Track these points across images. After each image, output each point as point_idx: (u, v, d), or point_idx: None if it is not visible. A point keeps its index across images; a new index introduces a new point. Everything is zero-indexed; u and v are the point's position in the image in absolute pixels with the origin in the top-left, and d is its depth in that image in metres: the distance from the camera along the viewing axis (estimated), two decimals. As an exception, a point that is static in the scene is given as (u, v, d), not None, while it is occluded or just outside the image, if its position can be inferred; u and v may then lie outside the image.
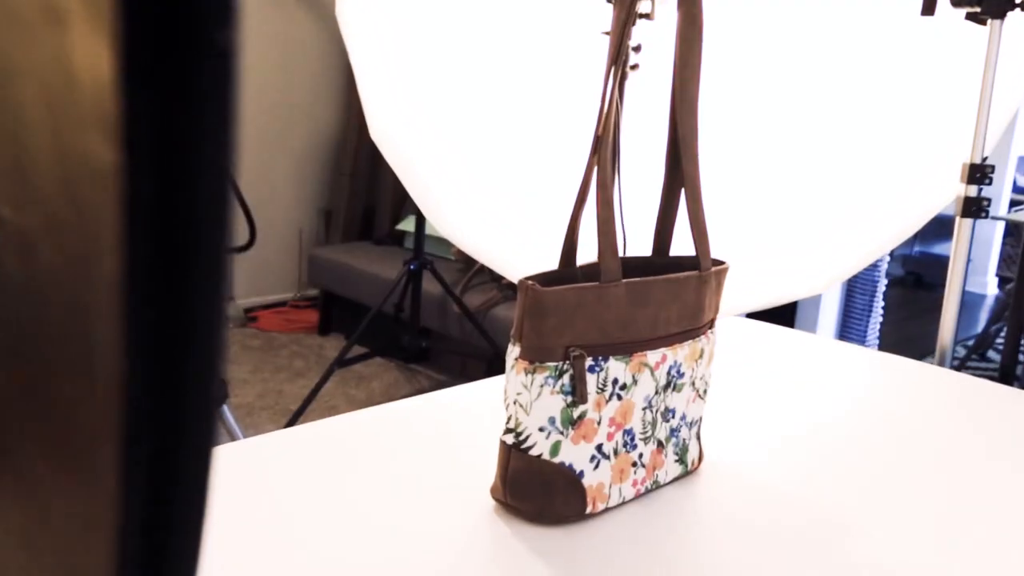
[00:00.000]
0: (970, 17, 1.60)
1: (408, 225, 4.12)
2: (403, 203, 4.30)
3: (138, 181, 0.16)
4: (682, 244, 0.94)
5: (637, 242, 1.02)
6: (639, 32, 1.43)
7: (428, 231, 3.85)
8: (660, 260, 0.94)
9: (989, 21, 1.59)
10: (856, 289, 3.46)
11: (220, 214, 0.16)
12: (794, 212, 1.77)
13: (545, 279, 0.82)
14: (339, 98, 4.48)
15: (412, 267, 3.44)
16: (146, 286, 0.17)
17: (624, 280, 0.83)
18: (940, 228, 6.49)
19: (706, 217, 0.92)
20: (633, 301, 0.83)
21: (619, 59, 0.86)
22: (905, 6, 1.67)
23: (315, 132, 4.45)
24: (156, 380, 0.18)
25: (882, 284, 3.48)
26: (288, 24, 4.24)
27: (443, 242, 3.93)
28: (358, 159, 4.37)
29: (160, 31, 0.15)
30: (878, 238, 1.81)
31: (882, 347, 3.56)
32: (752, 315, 2.79)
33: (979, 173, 1.61)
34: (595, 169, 0.83)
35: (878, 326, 3.50)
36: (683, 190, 0.91)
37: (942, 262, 6.47)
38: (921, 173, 1.76)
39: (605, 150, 0.82)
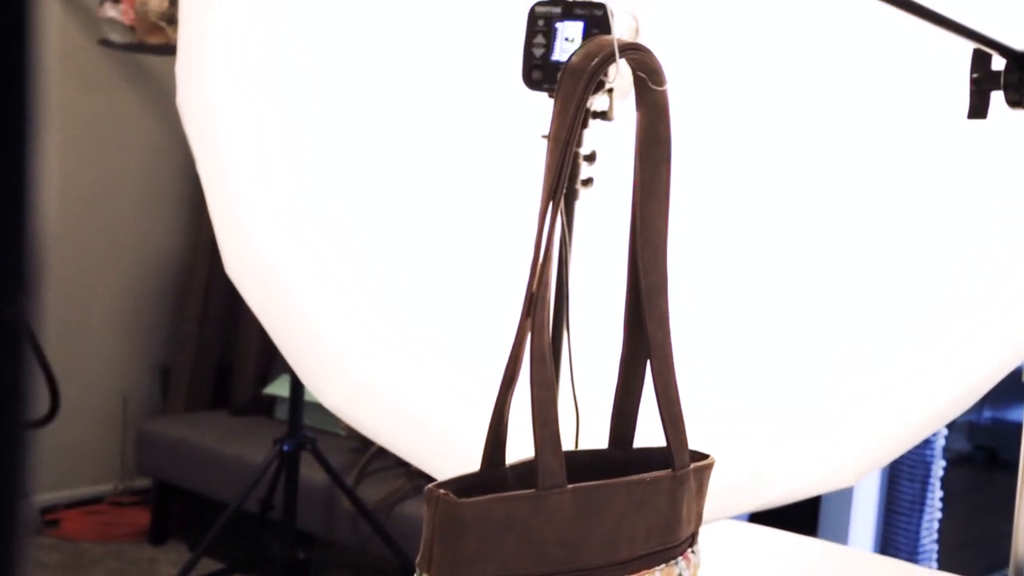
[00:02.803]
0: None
1: (280, 388, 4.11)
2: (272, 359, 4.30)
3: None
4: (649, 431, 0.98)
5: (589, 430, 1.06)
6: (593, 134, 1.47)
7: (308, 397, 3.85)
8: (620, 454, 0.97)
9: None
10: (902, 474, 3.48)
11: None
12: (807, 372, 1.77)
13: (462, 485, 0.84)
14: (183, 215, 4.51)
15: (286, 448, 3.42)
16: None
17: (570, 485, 0.85)
18: (1019, 386, 6.59)
19: (680, 394, 0.96)
20: (583, 513, 0.86)
21: (559, 186, 0.90)
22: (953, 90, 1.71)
23: (148, 261, 4.46)
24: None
25: (938, 466, 3.50)
26: (112, 110, 4.27)
27: (329, 412, 3.93)
28: (209, 298, 4.38)
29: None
30: (931, 405, 1.79)
31: (943, 551, 3.58)
32: (755, 516, 2.82)
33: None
34: (528, 336, 0.86)
35: (935, 524, 3.52)
36: (648, 361, 0.95)
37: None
38: (988, 312, 1.76)
39: (542, 312, 0.85)
